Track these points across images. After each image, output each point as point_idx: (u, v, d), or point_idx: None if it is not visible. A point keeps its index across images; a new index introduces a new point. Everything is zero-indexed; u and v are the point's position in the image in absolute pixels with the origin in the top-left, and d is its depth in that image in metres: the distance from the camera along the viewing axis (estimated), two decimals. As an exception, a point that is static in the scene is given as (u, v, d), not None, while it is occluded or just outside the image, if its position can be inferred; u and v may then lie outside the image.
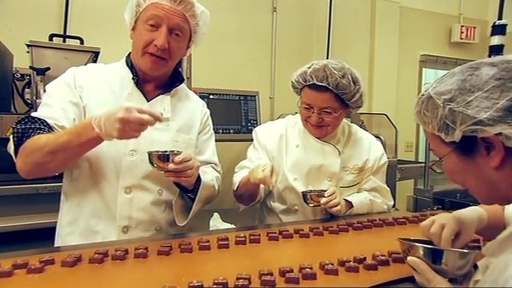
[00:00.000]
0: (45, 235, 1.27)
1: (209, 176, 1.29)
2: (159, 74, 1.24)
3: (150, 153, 1.09)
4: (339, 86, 1.38)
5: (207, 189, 1.24)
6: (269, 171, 1.25)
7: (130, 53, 1.27)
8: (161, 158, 1.08)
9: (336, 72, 1.37)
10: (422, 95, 0.75)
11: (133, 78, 1.22)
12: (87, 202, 1.17)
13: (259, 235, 1.12)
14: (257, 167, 1.30)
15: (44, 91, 1.22)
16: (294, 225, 1.30)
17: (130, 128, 0.97)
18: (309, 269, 0.85)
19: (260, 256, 1.03)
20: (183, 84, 1.36)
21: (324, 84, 1.38)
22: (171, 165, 1.06)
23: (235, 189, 1.48)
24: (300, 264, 0.87)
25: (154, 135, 1.20)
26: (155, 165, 1.08)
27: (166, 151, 1.09)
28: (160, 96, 1.26)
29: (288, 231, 1.17)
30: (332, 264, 0.88)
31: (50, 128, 1.10)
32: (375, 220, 1.34)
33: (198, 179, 1.20)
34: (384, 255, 0.96)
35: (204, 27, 1.26)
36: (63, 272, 0.85)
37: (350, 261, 0.91)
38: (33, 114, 1.14)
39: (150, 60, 1.17)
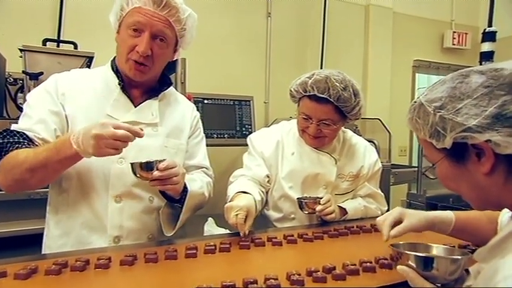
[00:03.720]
0: (36, 241, 1.25)
1: (197, 184, 1.25)
2: (144, 80, 1.21)
3: (132, 164, 1.06)
4: (340, 98, 1.36)
5: (195, 197, 1.21)
6: (243, 217, 1.15)
7: (115, 57, 1.23)
8: (143, 167, 1.05)
9: (337, 84, 1.35)
10: (415, 102, 0.77)
11: (119, 83, 1.19)
12: (78, 213, 1.14)
13: (229, 243, 1.08)
14: (231, 207, 1.18)
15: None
16: (267, 232, 1.27)
17: (105, 144, 0.95)
18: (273, 280, 0.81)
19: (229, 266, 0.99)
20: (172, 88, 1.32)
21: (325, 96, 1.35)
22: (156, 173, 1.04)
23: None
24: (265, 275, 0.84)
25: (143, 141, 1.16)
26: (138, 175, 1.06)
27: (148, 160, 1.07)
28: (148, 101, 1.22)
29: (260, 239, 1.14)
30: (299, 275, 0.85)
31: (30, 141, 1.07)
32: (352, 227, 1.31)
33: (185, 188, 1.17)
34: (354, 264, 0.92)
35: (192, 30, 1.23)
36: (14, 285, 0.80)
37: (318, 271, 0.87)
38: (13, 126, 1.11)
39: (134, 67, 1.15)
